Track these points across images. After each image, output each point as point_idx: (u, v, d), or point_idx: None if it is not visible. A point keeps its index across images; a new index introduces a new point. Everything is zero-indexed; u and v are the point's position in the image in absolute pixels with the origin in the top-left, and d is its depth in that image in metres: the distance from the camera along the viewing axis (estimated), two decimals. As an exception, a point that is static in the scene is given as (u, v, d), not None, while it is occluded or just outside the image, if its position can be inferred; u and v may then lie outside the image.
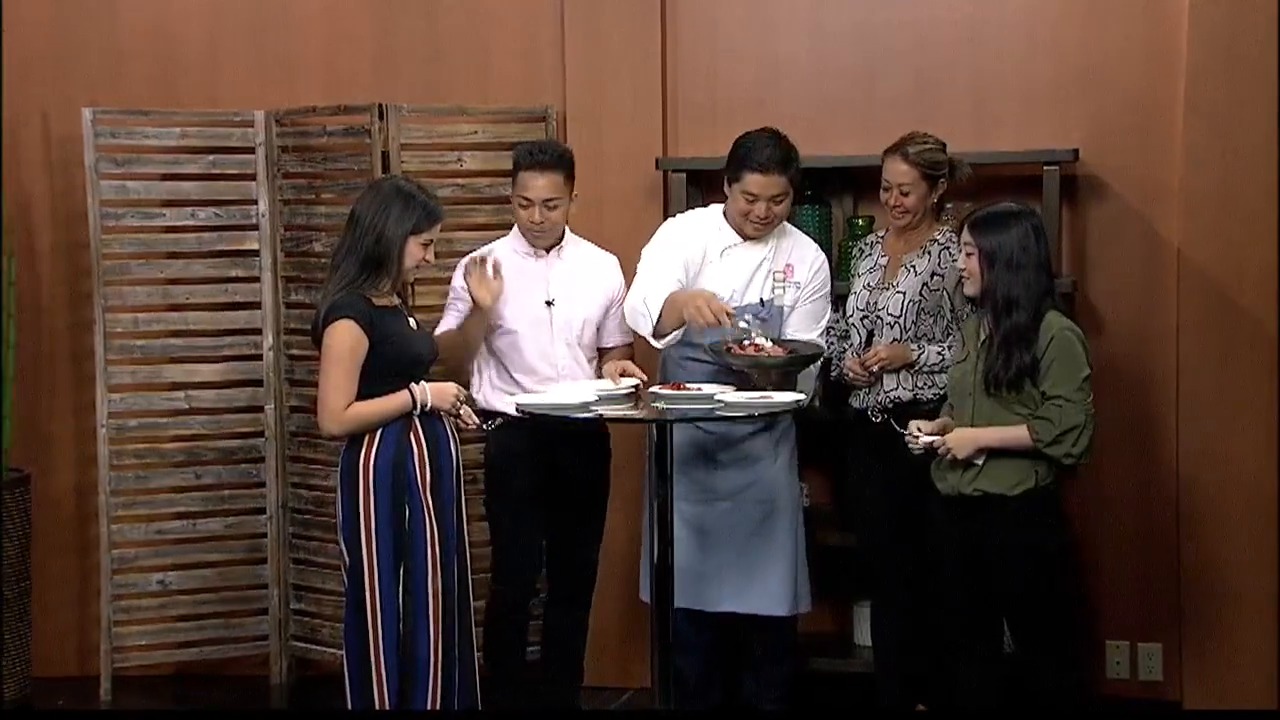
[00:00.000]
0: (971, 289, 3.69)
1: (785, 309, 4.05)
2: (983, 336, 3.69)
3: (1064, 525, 3.81)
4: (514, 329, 4.02)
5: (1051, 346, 3.55)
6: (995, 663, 3.74)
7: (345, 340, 3.52)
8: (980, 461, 3.63)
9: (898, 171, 3.97)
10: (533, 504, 4.00)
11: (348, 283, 3.56)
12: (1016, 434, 3.58)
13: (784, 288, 4.03)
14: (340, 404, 3.53)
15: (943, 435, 3.69)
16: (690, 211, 4.25)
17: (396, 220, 3.56)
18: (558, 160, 3.96)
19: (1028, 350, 3.54)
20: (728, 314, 3.75)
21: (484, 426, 3.91)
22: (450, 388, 3.64)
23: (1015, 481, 3.62)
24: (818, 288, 4.09)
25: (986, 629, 3.75)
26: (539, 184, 3.93)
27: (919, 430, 3.69)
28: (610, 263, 4.16)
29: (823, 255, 4.14)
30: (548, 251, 4.05)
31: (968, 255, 3.65)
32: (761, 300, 4.00)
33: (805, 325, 4.05)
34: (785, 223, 4.12)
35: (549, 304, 4.02)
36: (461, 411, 3.68)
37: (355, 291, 3.56)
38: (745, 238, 4.03)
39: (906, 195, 3.97)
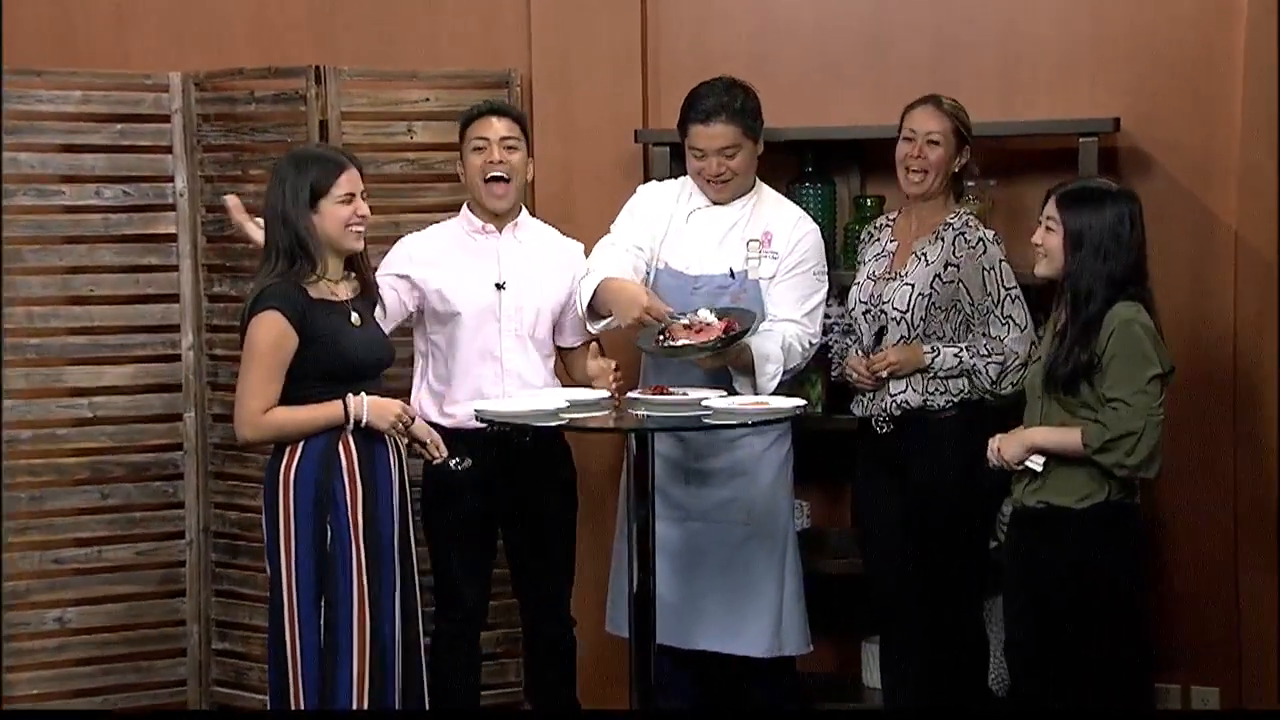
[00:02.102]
0: (1046, 269, 3.45)
1: (764, 282, 3.80)
2: (1055, 329, 3.48)
3: (1137, 549, 3.54)
4: (455, 315, 3.75)
5: (1113, 341, 3.33)
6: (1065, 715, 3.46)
7: (268, 335, 3.30)
8: (1039, 467, 3.40)
9: (929, 120, 3.73)
10: (479, 530, 3.78)
11: (279, 274, 3.36)
12: (1068, 436, 3.36)
13: (759, 258, 3.78)
14: (257, 407, 3.32)
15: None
16: (668, 180, 4.04)
17: (292, 194, 3.34)
18: (512, 110, 3.85)
19: (1085, 347, 3.34)
20: (669, 314, 3.61)
21: (454, 465, 3.58)
22: (393, 405, 3.41)
23: (1083, 494, 3.38)
24: (801, 259, 3.82)
25: (1047, 665, 3.44)
26: (494, 124, 3.76)
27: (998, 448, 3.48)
28: (574, 251, 3.91)
29: (811, 225, 3.88)
30: (500, 230, 3.80)
31: (1048, 230, 3.42)
32: (731, 271, 3.75)
33: (787, 303, 3.79)
34: (769, 188, 3.90)
35: (499, 287, 3.75)
36: (429, 441, 3.49)
37: (289, 281, 3.34)
38: (714, 202, 3.84)
39: (935, 146, 3.72)
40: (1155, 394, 3.31)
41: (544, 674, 3.90)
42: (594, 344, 3.79)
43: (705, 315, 3.57)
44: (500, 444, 3.68)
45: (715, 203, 3.82)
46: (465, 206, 3.83)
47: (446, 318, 3.72)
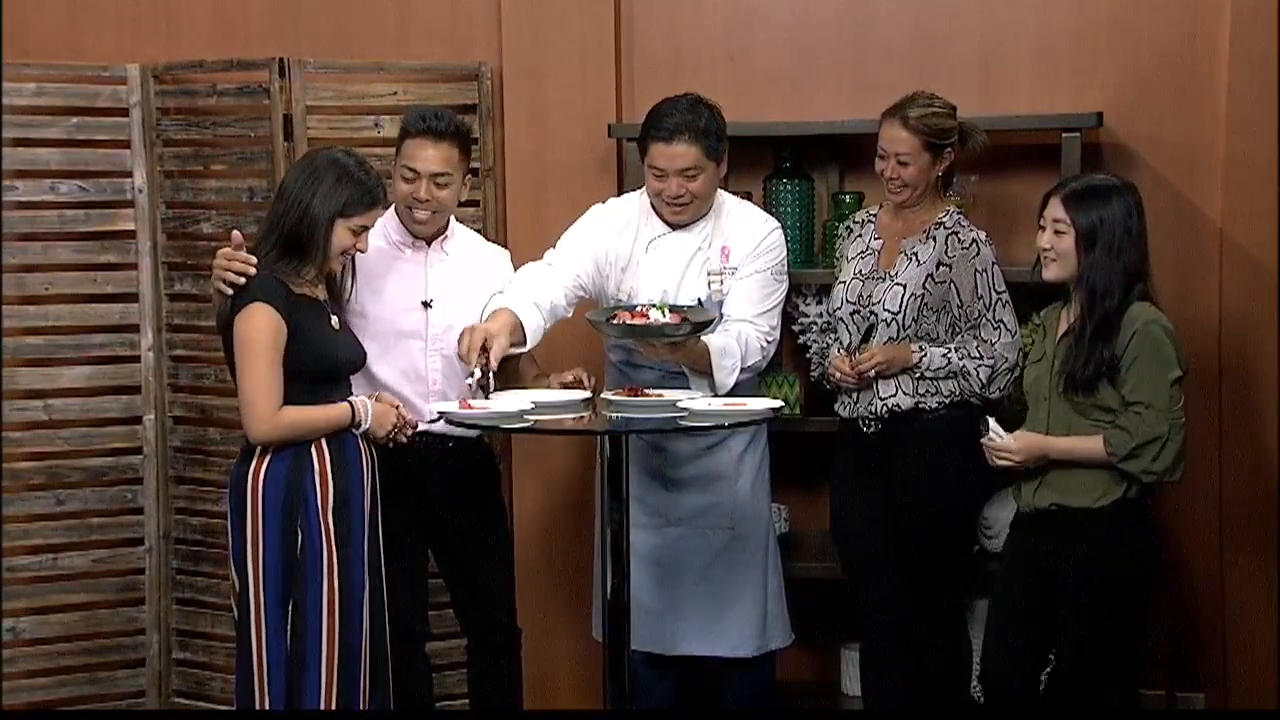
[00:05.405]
0: (1057, 272, 3.42)
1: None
2: (1062, 330, 3.44)
3: (1154, 545, 3.50)
4: (377, 331, 3.58)
5: (1134, 342, 3.31)
6: None
7: (266, 327, 3.23)
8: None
9: (895, 138, 3.66)
10: (405, 543, 3.62)
11: (265, 265, 3.31)
12: (1088, 445, 3.35)
13: (722, 278, 3.67)
14: (273, 403, 3.24)
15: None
16: (622, 197, 3.91)
17: (324, 197, 3.31)
18: (453, 131, 3.58)
19: (1108, 346, 3.32)
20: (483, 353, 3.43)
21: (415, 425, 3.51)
22: (391, 413, 3.39)
23: (1100, 493, 3.35)
24: (758, 262, 3.69)
25: (1043, 667, 3.42)
26: (428, 154, 3.56)
27: (996, 435, 3.43)
28: (500, 260, 3.78)
29: (772, 226, 3.76)
30: (429, 243, 3.66)
31: (1057, 233, 3.39)
32: (700, 301, 3.66)
33: (743, 303, 3.67)
34: (729, 198, 3.77)
35: (426, 305, 3.62)
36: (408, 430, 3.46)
37: (273, 275, 3.29)
38: (671, 226, 3.71)
39: (905, 166, 3.67)
40: (1177, 398, 3.30)
41: (488, 682, 3.79)
42: (529, 356, 3.66)
43: (655, 316, 3.45)
44: (418, 453, 3.56)
45: (672, 225, 3.71)
46: (394, 212, 3.64)
47: (364, 332, 3.55)
